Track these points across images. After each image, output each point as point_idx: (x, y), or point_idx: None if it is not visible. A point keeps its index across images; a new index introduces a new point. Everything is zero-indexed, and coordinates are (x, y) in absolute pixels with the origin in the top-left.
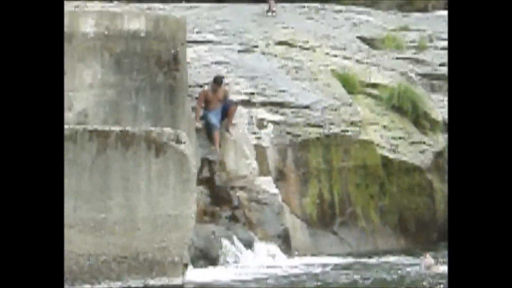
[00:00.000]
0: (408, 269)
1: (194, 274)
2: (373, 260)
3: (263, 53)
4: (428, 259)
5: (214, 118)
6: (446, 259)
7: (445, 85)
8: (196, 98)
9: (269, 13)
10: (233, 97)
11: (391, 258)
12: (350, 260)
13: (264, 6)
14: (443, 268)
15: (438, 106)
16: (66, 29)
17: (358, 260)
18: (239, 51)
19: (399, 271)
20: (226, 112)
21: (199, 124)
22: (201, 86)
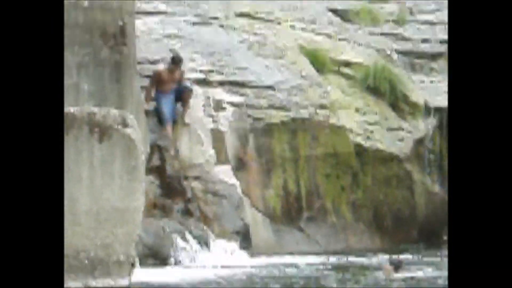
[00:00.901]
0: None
1: (142, 274)
2: (343, 260)
3: (222, 26)
4: (386, 266)
5: (166, 105)
6: (422, 260)
7: (427, 64)
8: (146, 77)
9: None
10: (188, 75)
11: (364, 259)
12: (318, 259)
13: None
14: (405, 274)
15: (419, 88)
16: None
17: (327, 260)
18: (194, 24)
19: (367, 275)
20: (180, 96)
21: (147, 106)
22: (152, 63)
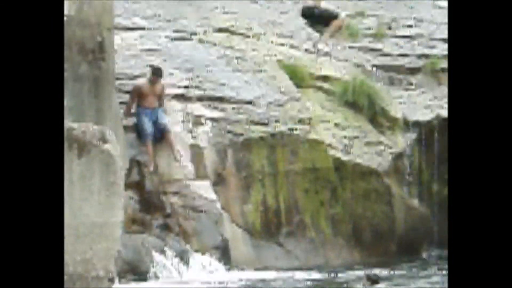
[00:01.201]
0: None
1: None
2: (323, 275)
3: (201, 41)
4: (364, 281)
5: (147, 122)
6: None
7: (406, 78)
8: (125, 92)
9: None
10: (167, 91)
11: (343, 274)
12: (297, 275)
13: None
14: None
15: (397, 103)
16: None
17: (306, 275)
18: (173, 39)
19: None
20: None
21: (127, 121)
22: (131, 79)
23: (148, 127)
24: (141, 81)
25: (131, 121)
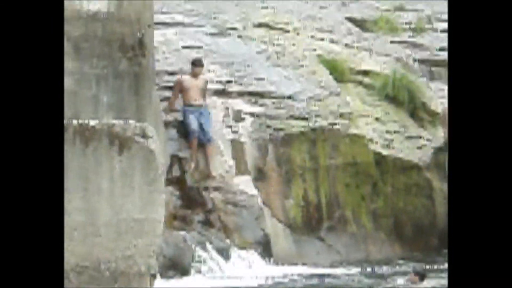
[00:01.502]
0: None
1: (163, 286)
2: (366, 270)
3: (240, 37)
4: (412, 276)
5: (194, 123)
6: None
7: (446, 72)
8: (165, 88)
9: None
10: (208, 86)
11: (385, 268)
12: (338, 270)
13: None
14: (430, 282)
15: (438, 96)
16: None
17: (348, 270)
18: (212, 34)
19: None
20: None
21: (167, 118)
22: (170, 74)
23: (195, 126)
24: (184, 76)
25: (172, 116)
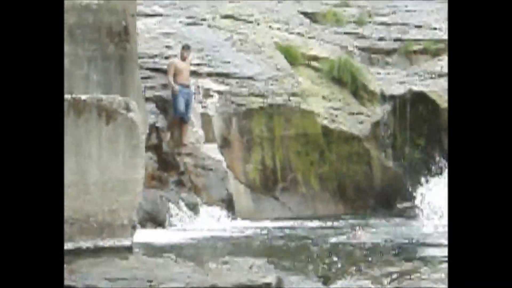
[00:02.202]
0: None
1: (142, 236)
2: (312, 224)
3: (210, 26)
4: (359, 232)
5: (182, 104)
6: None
7: (383, 58)
8: (146, 69)
9: None
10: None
11: (329, 223)
12: (289, 224)
13: None
14: (367, 236)
15: (376, 79)
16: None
17: (298, 224)
18: (187, 24)
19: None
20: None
21: (149, 93)
22: (150, 57)
23: (182, 108)
24: (175, 59)
25: (151, 93)
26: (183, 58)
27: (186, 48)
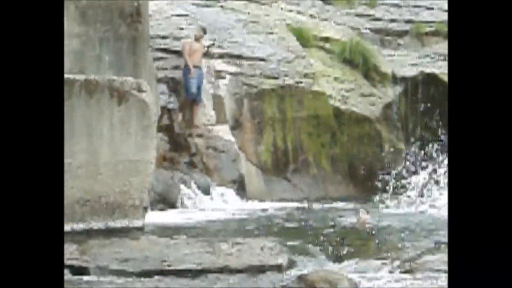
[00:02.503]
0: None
1: (154, 217)
2: (325, 206)
3: (221, 7)
4: (363, 214)
5: (194, 86)
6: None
7: (394, 40)
8: (158, 49)
9: None
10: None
11: (340, 204)
12: (301, 205)
13: None
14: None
15: (387, 61)
16: None
17: (309, 205)
18: (198, 5)
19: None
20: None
21: (160, 73)
22: (162, 38)
23: (194, 90)
24: (188, 40)
25: (163, 73)
26: (198, 39)
27: (202, 31)
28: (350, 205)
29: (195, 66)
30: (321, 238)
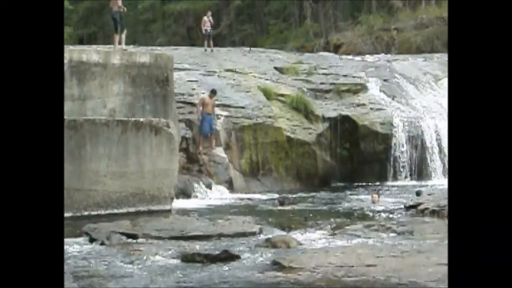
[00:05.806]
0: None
1: (177, 203)
2: (282, 195)
3: (218, 76)
4: (374, 196)
5: (207, 126)
6: (319, 196)
7: (323, 95)
8: (180, 102)
9: (207, 49)
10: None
11: (291, 195)
12: (265, 196)
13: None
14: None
15: (319, 107)
16: (102, 60)
17: (272, 196)
18: (203, 75)
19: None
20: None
21: (182, 117)
22: (182, 95)
23: (207, 129)
24: (203, 96)
25: (184, 117)
26: (210, 97)
27: (214, 92)
28: (297, 196)
29: (208, 114)
30: (276, 215)
